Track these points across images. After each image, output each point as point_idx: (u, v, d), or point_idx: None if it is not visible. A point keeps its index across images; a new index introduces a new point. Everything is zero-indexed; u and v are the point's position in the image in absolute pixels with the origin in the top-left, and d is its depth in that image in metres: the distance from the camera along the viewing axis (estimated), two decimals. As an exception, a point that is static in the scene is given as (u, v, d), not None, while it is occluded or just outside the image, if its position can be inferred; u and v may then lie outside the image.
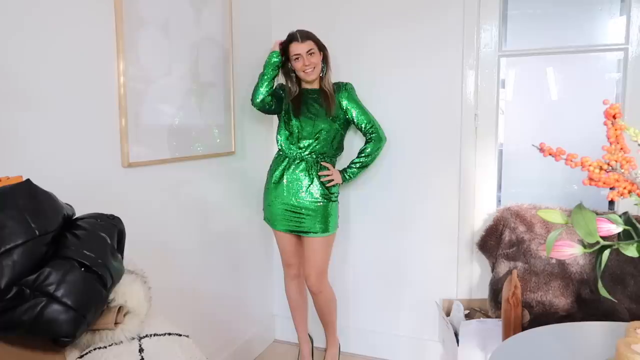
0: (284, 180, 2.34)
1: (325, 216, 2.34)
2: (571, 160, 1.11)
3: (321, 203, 2.33)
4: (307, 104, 2.35)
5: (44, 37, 1.48)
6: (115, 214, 1.26)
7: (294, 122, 2.33)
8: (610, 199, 1.79)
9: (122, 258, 1.24)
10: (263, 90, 2.30)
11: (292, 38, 2.29)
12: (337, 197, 2.40)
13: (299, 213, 2.33)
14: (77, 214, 1.20)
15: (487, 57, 2.39)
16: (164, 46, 1.97)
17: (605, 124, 1.11)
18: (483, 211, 2.45)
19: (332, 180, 2.34)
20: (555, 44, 2.36)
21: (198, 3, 2.15)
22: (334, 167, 2.41)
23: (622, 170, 1.09)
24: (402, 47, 2.52)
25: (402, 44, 2.52)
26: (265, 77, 2.29)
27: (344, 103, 2.38)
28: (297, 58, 2.28)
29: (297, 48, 2.27)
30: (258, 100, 2.32)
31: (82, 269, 1.06)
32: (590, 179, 1.10)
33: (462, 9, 2.39)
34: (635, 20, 2.15)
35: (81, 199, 1.35)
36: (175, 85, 2.04)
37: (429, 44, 2.47)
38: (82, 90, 1.62)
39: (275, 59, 2.28)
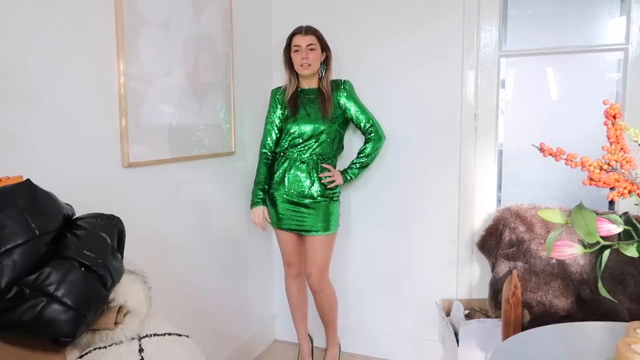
0: (285, 182, 2.35)
1: (326, 215, 2.35)
2: (571, 160, 1.11)
3: (323, 202, 2.33)
4: (304, 105, 2.35)
5: (43, 36, 1.48)
6: (115, 214, 1.26)
7: (293, 125, 2.33)
8: (610, 199, 1.79)
9: (122, 258, 1.24)
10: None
11: (296, 30, 2.31)
12: (338, 196, 2.41)
13: (301, 212, 2.34)
14: (77, 214, 1.20)
15: (487, 57, 2.39)
16: (164, 46, 1.97)
17: (605, 124, 1.11)
18: (483, 211, 2.45)
19: (334, 181, 2.34)
20: (555, 44, 2.36)
21: (198, 3, 2.15)
22: (334, 167, 2.42)
23: (622, 170, 1.09)
24: (402, 48, 2.52)
25: (401, 45, 2.52)
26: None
27: (342, 101, 2.38)
28: (297, 50, 2.29)
29: (298, 40, 2.29)
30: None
31: (82, 268, 1.06)
32: (590, 179, 1.10)
33: (462, 10, 2.39)
34: (635, 20, 2.15)
35: (81, 199, 1.35)
36: (175, 85, 2.04)
37: (429, 44, 2.47)
38: (82, 90, 1.62)
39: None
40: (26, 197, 1.05)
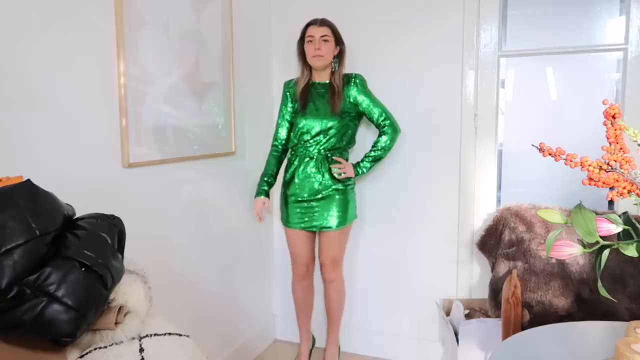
0: (295, 180, 2.35)
1: (344, 204, 2.34)
2: (571, 160, 1.11)
3: (338, 191, 2.32)
4: (313, 100, 2.34)
5: (44, 37, 1.48)
6: (116, 214, 1.26)
7: (302, 120, 2.33)
8: (610, 199, 1.79)
9: (123, 258, 1.24)
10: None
11: (311, 21, 2.32)
12: (353, 187, 2.40)
13: (312, 208, 2.34)
14: (78, 214, 1.20)
15: (487, 57, 2.39)
16: (164, 46, 1.97)
17: (605, 124, 1.11)
18: (483, 211, 2.45)
19: (345, 173, 2.33)
20: (555, 44, 2.36)
21: (198, 3, 2.15)
22: (346, 160, 2.40)
23: (622, 170, 1.09)
24: (402, 48, 2.52)
25: (401, 45, 2.52)
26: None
27: (354, 95, 2.34)
28: (310, 41, 2.29)
29: (312, 30, 2.29)
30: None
31: (83, 269, 1.06)
32: (590, 179, 1.10)
33: (462, 10, 2.39)
34: (635, 20, 2.15)
35: (81, 199, 1.35)
36: (175, 85, 2.04)
37: (429, 44, 2.47)
38: (82, 90, 1.62)
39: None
40: (27, 197, 1.05)
